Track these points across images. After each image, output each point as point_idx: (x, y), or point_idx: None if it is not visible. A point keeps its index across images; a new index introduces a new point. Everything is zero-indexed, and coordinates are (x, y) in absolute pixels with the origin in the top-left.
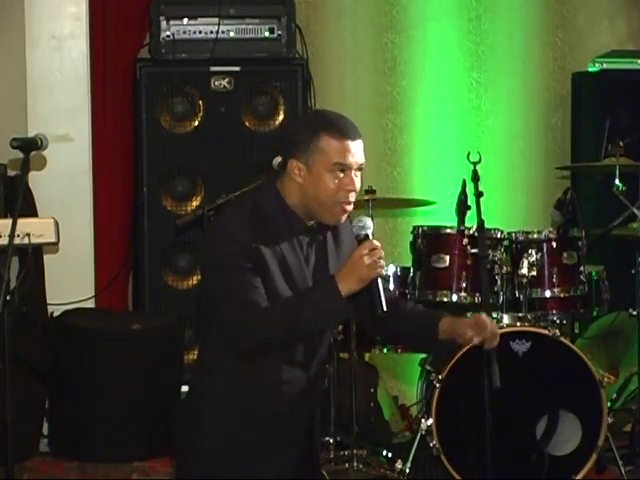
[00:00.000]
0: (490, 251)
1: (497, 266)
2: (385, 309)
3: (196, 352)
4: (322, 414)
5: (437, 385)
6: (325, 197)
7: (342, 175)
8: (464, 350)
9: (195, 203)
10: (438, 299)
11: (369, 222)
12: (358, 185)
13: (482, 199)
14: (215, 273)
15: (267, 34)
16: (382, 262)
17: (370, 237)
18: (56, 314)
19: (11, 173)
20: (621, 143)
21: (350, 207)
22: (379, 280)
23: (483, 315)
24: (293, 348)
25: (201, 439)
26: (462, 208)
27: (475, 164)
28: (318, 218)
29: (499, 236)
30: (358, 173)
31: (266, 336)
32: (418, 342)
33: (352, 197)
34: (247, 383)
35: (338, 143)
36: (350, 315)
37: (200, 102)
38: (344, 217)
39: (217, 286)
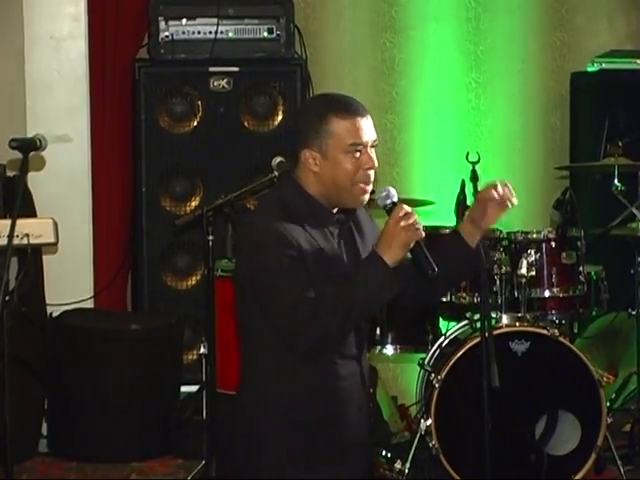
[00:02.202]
0: (489, 251)
1: (496, 266)
2: (436, 268)
3: (195, 352)
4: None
5: (436, 385)
6: (344, 180)
7: (358, 154)
8: (464, 350)
9: (194, 203)
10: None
11: (392, 190)
12: (375, 162)
13: None
14: (258, 277)
15: (266, 34)
16: (419, 224)
17: (397, 203)
18: (55, 314)
19: (10, 173)
20: (620, 143)
21: (370, 186)
22: (421, 242)
23: (486, 187)
24: (344, 340)
25: (256, 450)
26: (461, 208)
27: (474, 164)
28: (340, 204)
29: (498, 236)
30: (373, 150)
31: (325, 328)
32: (464, 270)
33: (372, 175)
34: (304, 386)
35: (349, 123)
36: (401, 287)
37: (199, 102)
38: (366, 197)
39: (263, 290)
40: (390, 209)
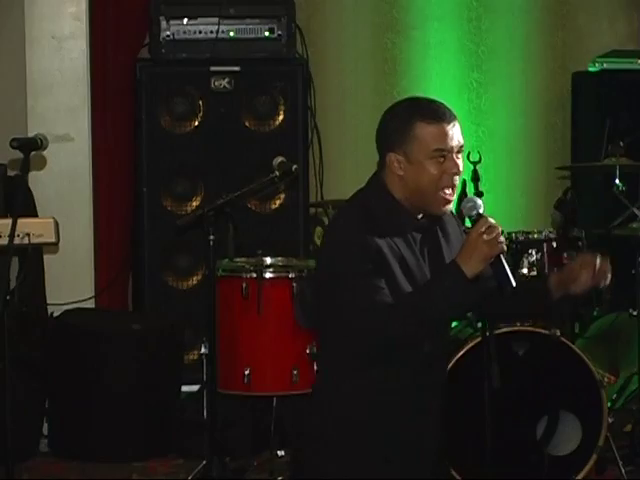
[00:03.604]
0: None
1: None
2: (514, 284)
3: (196, 352)
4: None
5: None
6: (428, 184)
7: (443, 160)
8: (464, 350)
9: (195, 203)
10: None
11: (479, 201)
12: (461, 167)
13: (482, 199)
14: (338, 281)
15: (267, 34)
16: (502, 238)
17: (483, 215)
18: (56, 314)
19: (11, 173)
20: (621, 143)
21: (454, 192)
22: (502, 256)
23: (587, 255)
24: (419, 349)
25: (325, 448)
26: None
27: (475, 164)
28: (424, 209)
29: None
30: (460, 155)
31: (399, 333)
32: (535, 309)
33: (456, 180)
34: (375, 389)
35: (435, 128)
36: (477, 300)
37: (200, 102)
38: (449, 205)
39: (342, 294)
40: (475, 220)
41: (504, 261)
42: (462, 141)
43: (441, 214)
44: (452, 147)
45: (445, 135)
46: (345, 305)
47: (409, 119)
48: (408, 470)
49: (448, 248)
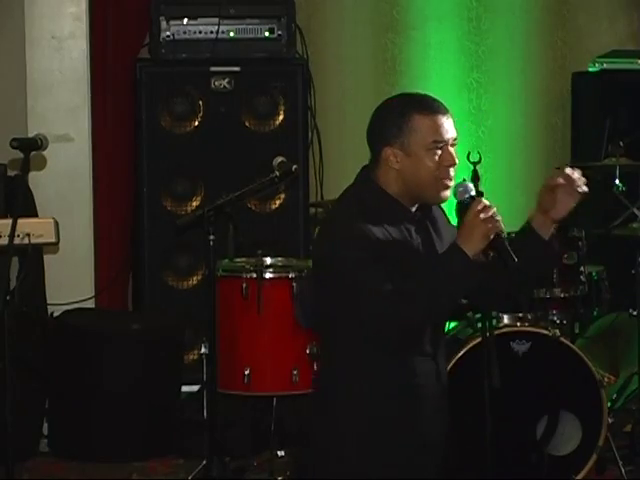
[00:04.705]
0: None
1: None
2: (516, 259)
3: (196, 352)
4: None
5: None
6: (426, 176)
7: (440, 152)
8: (464, 350)
9: (195, 203)
10: None
11: (470, 185)
12: (456, 159)
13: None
14: (340, 273)
15: (267, 34)
16: (498, 216)
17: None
18: (56, 314)
19: (11, 173)
20: (621, 143)
21: (452, 182)
22: (500, 234)
23: (555, 172)
24: (422, 338)
25: (339, 450)
26: (462, 208)
27: (475, 164)
28: (421, 200)
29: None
30: (453, 148)
31: (409, 318)
32: (539, 262)
33: (452, 172)
34: (384, 384)
35: (431, 120)
36: (479, 281)
37: (200, 102)
38: (447, 193)
39: (344, 285)
40: (468, 203)
41: (503, 238)
42: (456, 134)
43: (440, 201)
44: (448, 139)
45: (441, 127)
46: (350, 297)
47: (405, 112)
48: (417, 469)
49: (438, 238)
